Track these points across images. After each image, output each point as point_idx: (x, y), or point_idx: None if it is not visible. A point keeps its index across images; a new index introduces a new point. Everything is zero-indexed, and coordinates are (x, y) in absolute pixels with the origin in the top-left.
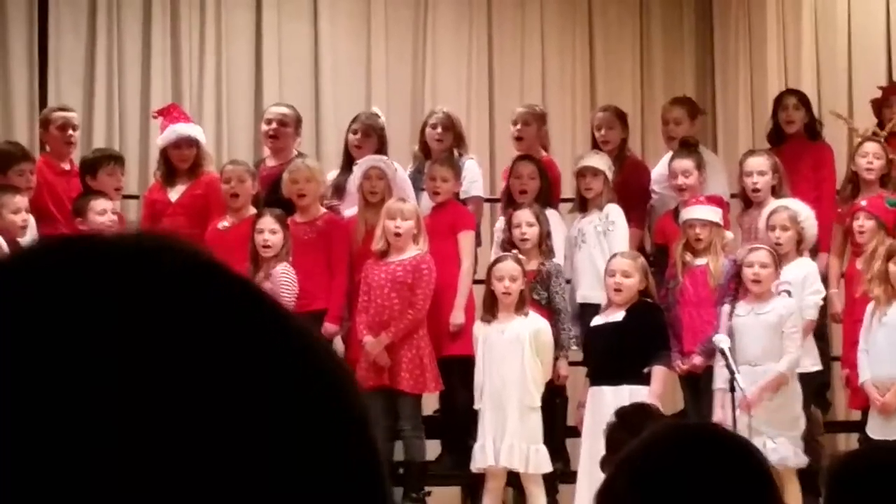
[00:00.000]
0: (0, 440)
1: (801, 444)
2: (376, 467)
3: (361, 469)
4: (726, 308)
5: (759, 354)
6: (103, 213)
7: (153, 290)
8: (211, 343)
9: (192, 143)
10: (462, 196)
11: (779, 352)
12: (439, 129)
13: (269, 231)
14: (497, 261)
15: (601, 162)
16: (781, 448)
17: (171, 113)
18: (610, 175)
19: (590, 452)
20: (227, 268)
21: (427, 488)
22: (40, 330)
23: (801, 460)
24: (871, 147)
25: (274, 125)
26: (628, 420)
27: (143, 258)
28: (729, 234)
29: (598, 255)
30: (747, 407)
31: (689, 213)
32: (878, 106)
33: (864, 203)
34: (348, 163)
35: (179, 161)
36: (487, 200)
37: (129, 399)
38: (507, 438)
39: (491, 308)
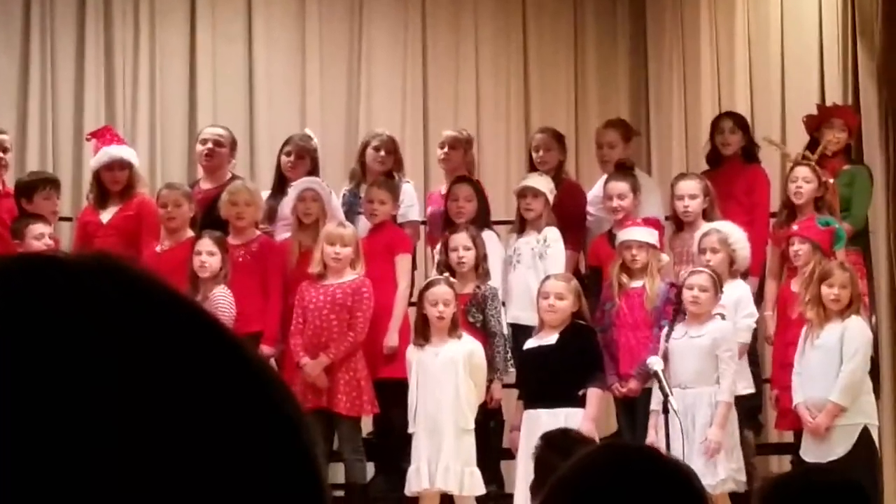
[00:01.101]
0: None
1: (741, 468)
2: (318, 481)
3: (302, 481)
4: (664, 330)
5: (691, 378)
6: (41, 238)
7: (117, 309)
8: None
9: (124, 165)
10: (399, 220)
11: (711, 375)
12: (382, 153)
13: (207, 253)
14: (429, 285)
15: (542, 183)
16: (720, 472)
17: (104, 135)
18: (551, 197)
19: (525, 476)
20: (168, 285)
21: None
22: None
23: (740, 484)
24: (802, 172)
25: (209, 145)
26: (555, 444)
27: (102, 279)
28: (665, 257)
29: (532, 276)
30: (713, 453)
31: (625, 234)
32: (815, 124)
33: (796, 227)
34: (280, 185)
35: (112, 183)
36: (422, 223)
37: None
38: (443, 461)
39: (423, 332)
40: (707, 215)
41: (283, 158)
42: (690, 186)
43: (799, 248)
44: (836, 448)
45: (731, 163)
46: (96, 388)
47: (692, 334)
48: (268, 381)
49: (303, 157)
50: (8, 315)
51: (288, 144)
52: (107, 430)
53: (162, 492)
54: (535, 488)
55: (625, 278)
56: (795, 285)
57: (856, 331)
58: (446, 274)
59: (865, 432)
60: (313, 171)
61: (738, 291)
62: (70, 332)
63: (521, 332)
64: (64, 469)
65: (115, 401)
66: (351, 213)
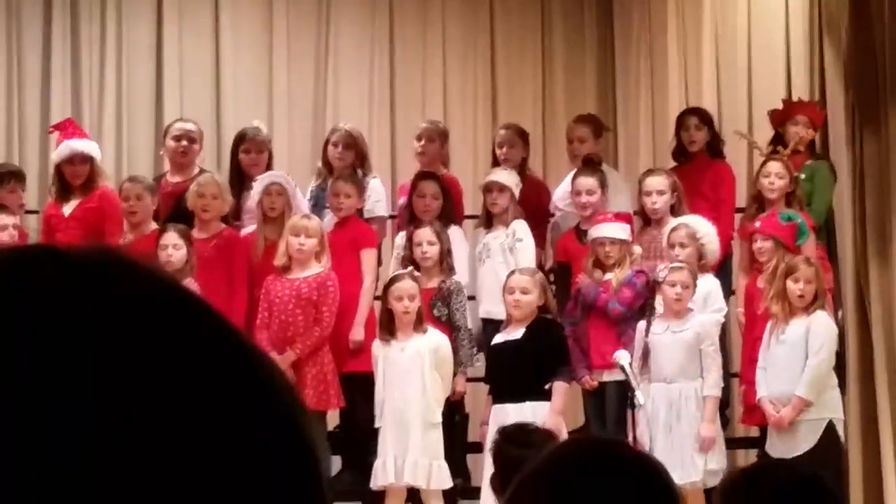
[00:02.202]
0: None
1: (723, 462)
2: (314, 469)
3: (300, 478)
4: (641, 325)
5: (675, 372)
6: (4, 229)
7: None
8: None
9: (85, 159)
10: (366, 215)
11: (694, 369)
12: (340, 148)
13: (173, 246)
14: (394, 280)
15: (508, 178)
16: (712, 465)
17: (66, 128)
18: (516, 192)
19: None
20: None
21: None
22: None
23: (718, 477)
24: (775, 167)
25: (184, 142)
26: (512, 437)
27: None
28: (637, 249)
29: (503, 270)
30: (708, 447)
31: (598, 230)
32: (780, 120)
33: (758, 224)
34: (239, 181)
35: (73, 177)
36: (390, 217)
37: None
38: (411, 455)
39: (389, 327)
40: (675, 211)
41: (243, 156)
42: (658, 182)
43: (762, 245)
44: (802, 443)
45: (698, 158)
46: (96, 386)
47: (674, 329)
48: (271, 380)
49: (262, 150)
50: (6, 312)
51: (244, 142)
52: (107, 429)
53: (163, 489)
54: (495, 481)
55: (597, 273)
56: (761, 281)
57: (821, 325)
58: (410, 268)
59: (831, 427)
60: (270, 161)
61: (706, 286)
62: (69, 330)
63: (493, 326)
64: (63, 469)
65: (114, 400)
66: (318, 207)
